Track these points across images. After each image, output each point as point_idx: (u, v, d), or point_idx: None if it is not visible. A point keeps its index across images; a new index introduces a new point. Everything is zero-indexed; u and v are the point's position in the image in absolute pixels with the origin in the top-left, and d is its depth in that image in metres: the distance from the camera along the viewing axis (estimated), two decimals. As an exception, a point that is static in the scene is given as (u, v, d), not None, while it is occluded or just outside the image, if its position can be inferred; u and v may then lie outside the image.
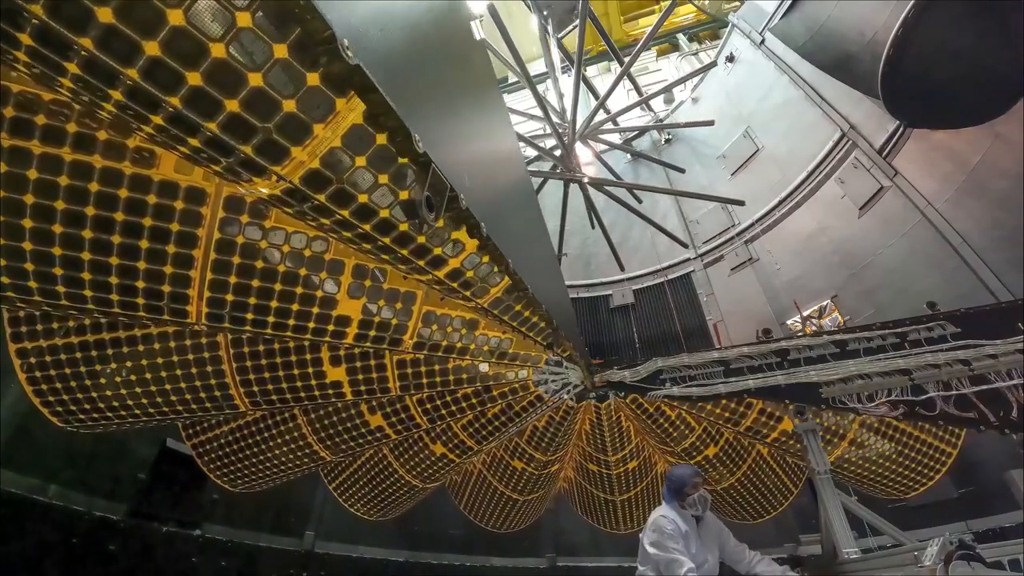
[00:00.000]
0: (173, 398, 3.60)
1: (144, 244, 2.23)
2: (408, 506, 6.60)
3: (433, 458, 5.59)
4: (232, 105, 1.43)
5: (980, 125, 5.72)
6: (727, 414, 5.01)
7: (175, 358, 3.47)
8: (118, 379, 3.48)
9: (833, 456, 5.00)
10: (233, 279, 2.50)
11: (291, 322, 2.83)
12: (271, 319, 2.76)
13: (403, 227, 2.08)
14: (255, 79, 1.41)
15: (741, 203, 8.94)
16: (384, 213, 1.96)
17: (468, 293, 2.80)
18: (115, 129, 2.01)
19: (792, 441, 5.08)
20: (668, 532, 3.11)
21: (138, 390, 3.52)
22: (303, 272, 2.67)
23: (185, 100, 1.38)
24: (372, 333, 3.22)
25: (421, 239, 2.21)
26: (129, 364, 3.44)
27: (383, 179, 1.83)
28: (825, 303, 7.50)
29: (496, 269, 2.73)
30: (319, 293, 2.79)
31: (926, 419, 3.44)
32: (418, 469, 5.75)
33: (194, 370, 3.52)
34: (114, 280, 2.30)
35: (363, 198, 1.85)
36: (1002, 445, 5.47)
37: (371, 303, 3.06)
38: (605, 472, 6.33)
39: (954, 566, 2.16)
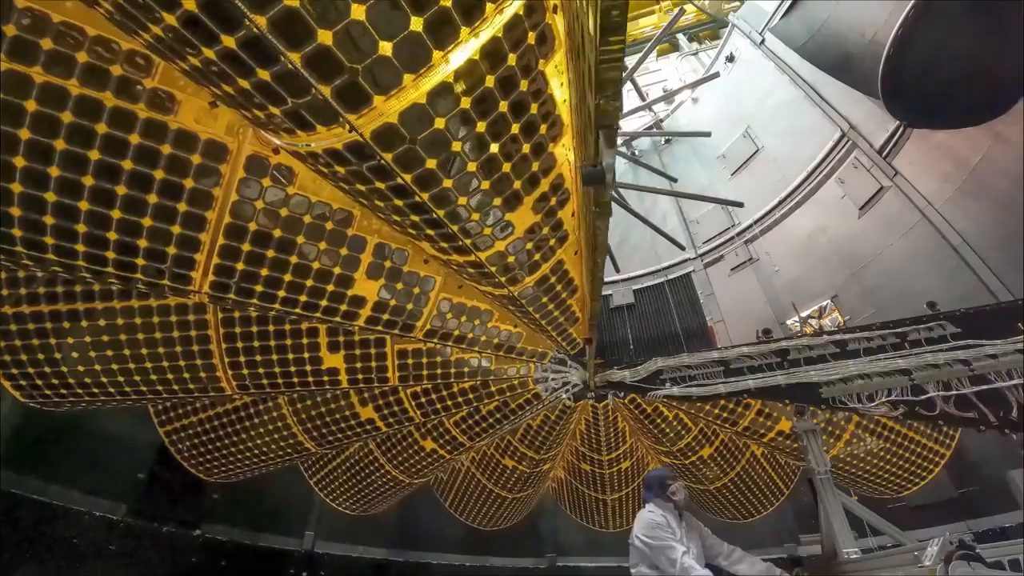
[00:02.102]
0: (153, 377, 3.29)
1: (152, 199, 1.98)
2: (392, 502, 6.46)
3: (423, 454, 5.45)
4: (325, 36, 1.25)
5: (980, 125, 5.72)
6: (725, 414, 5.01)
7: (158, 334, 3.15)
8: (92, 353, 3.14)
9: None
10: (247, 247, 2.28)
11: (302, 298, 2.63)
12: (281, 294, 2.55)
13: (461, 200, 1.94)
14: (357, 11, 1.25)
15: (740, 205, 8.94)
16: (448, 183, 1.82)
17: (504, 279, 2.67)
18: (132, 65, 1.74)
19: (789, 441, 5.09)
20: (658, 523, 3.27)
21: (114, 366, 3.20)
22: (323, 246, 2.49)
23: (274, 21, 1.18)
24: (385, 317, 3.05)
25: (476, 216, 2.08)
26: (105, 338, 3.10)
27: (456, 146, 1.69)
28: (825, 303, 7.50)
29: (537, 257, 2.63)
30: (336, 270, 2.61)
31: (926, 419, 3.44)
32: (406, 465, 5.59)
33: (178, 348, 3.22)
34: (113, 236, 2.03)
35: (431, 163, 1.70)
36: (1002, 445, 5.47)
37: (389, 285, 2.90)
38: (598, 471, 6.29)
39: (954, 566, 2.15)
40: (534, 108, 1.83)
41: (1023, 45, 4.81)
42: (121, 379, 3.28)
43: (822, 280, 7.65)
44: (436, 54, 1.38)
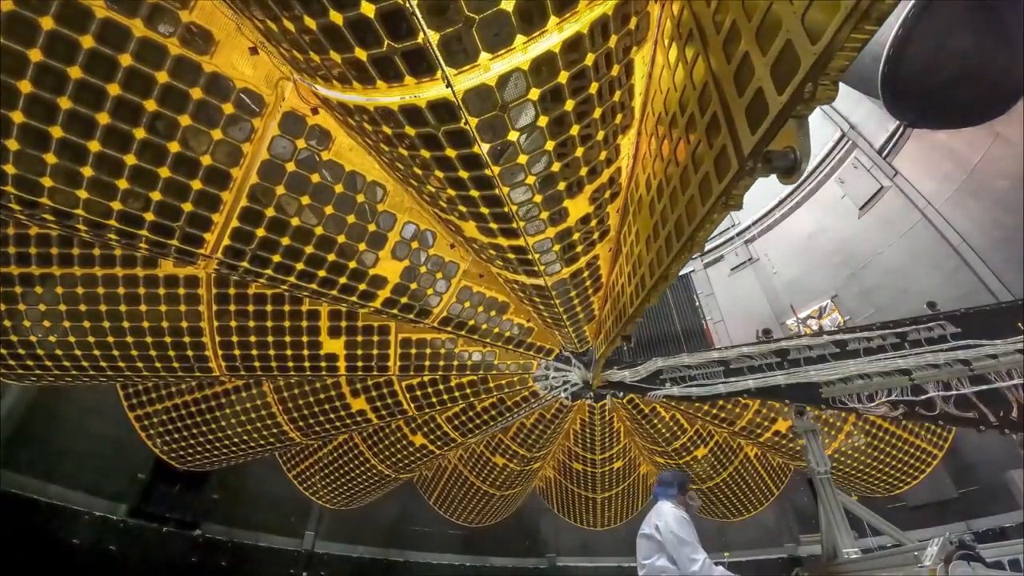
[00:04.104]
0: (133, 352, 3.01)
1: (174, 147, 1.75)
2: (374, 497, 6.32)
3: (411, 449, 5.31)
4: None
5: (980, 125, 5.71)
6: (723, 415, 5.01)
7: (143, 307, 2.86)
8: (66, 323, 2.84)
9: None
10: (270, 212, 2.08)
11: (321, 274, 2.45)
12: (300, 266, 2.36)
13: (530, 179, 1.84)
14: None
15: (738, 207, 8.95)
16: (522, 159, 1.71)
17: (543, 268, 2.56)
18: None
19: (785, 441, 5.10)
20: (688, 521, 3.24)
21: (90, 339, 2.91)
22: (351, 220, 2.30)
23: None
24: (403, 300, 2.90)
25: (537, 198, 1.96)
26: (82, 307, 2.81)
27: (542, 121, 1.59)
28: (825, 303, 7.50)
29: (579, 250, 2.54)
30: (362, 247, 2.44)
31: (926, 419, 3.42)
32: (393, 459, 5.44)
33: (165, 323, 2.94)
34: (123, 184, 1.77)
35: (513, 135, 1.60)
36: (1002, 445, 5.47)
37: (412, 267, 2.75)
38: (590, 470, 6.25)
39: (954, 566, 2.14)
40: (617, 95, 1.74)
41: (1023, 45, 4.80)
42: (97, 353, 3.00)
43: (822, 280, 7.65)
44: (552, 20, 1.28)
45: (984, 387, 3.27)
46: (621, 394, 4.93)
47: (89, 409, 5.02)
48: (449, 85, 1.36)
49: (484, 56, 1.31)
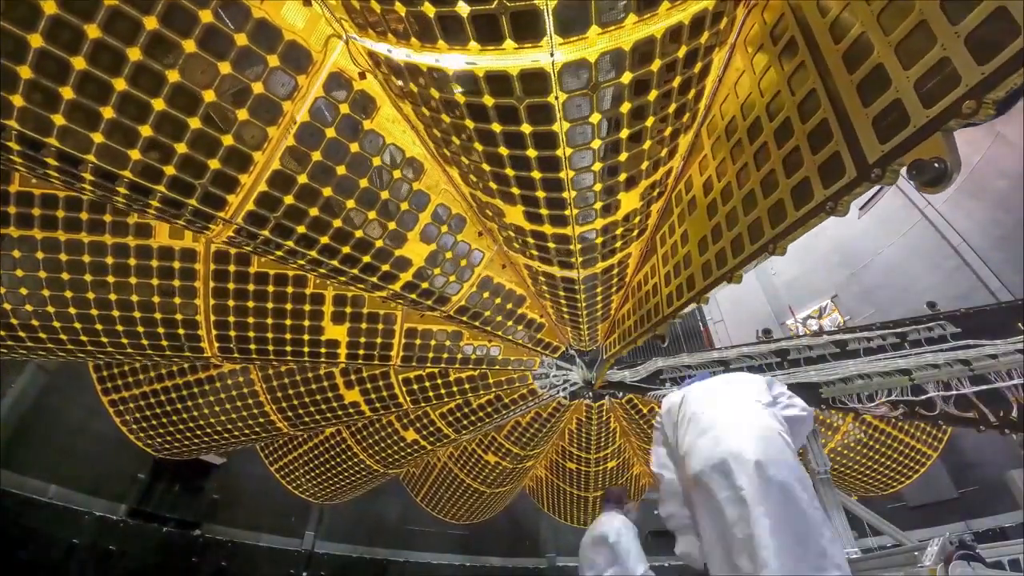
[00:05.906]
0: (119, 328, 2.80)
1: (209, 96, 1.56)
2: (360, 492, 6.21)
3: (402, 444, 5.16)
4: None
5: (980, 125, 5.71)
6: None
7: (132, 279, 2.65)
8: (45, 292, 2.64)
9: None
10: (303, 179, 1.90)
11: (345, 250, 2.31)
12: (324, 240, 2.21)
13: (596, 166, 1.75)
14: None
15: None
16: (596, 143, 1.62)
17: (580, 260, 2.49)
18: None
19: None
20: (635, 530, 3.35)
21: (71, 310, 2.70)
22: (384, 195, 2.16)
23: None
24: (424, 285, 2.80)
25: (597, 187, 1.86)
26: (65, 276, 2.60)
27: (625, 107, 1.50)
28: (825, 303, 7.50)
29: (617, 245, 2.50)
30: (392, 225, 2.30)
31: (926, 419, 3.42)
32: (383, 455, 5.29)
33: (156, 298, 2.73)
34: (146, 132, 1.56)
35: (595, 117, 1.53)
36: (1002, 445, 5.48)
37: (439, 251, 2.65)
38: (583, 470, 6.21)
39: (954, 566, 2.13)
40: (691, 93, 1.67)
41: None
42: (78, 326, 2.77)
43: (822, 280, 7.66)
44: (664, 5, 1.21)
45: (984, 387, 3.26)
46: (620, 394, 4.93)
47: (90, 409, 5.00)
48: (552, 54, 1.26)
49: (594, 29, 1.22)
